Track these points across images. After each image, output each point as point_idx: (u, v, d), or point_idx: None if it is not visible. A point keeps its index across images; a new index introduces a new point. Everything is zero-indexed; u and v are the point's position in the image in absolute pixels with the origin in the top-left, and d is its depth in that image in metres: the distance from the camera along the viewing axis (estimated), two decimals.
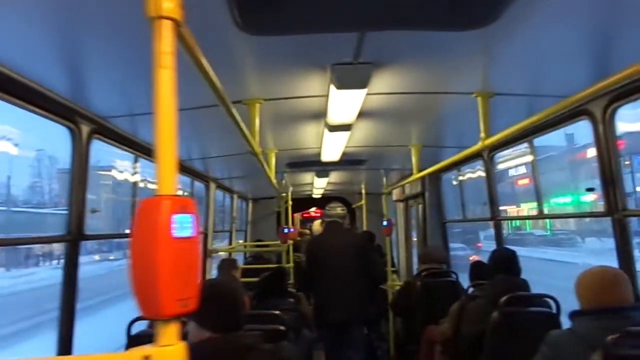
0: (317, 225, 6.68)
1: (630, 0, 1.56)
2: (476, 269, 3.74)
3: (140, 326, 2.74)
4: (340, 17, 1.60)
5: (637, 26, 1.72)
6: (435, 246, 5.21)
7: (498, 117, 2.73)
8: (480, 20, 1.64)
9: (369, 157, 4.78)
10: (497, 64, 2.24)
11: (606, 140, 2.46)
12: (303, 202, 8.69)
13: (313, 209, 10.50)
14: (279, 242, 5.90)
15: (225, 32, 1.60)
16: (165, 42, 0.84)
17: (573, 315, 2.13)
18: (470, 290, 3.54)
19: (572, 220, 25.42)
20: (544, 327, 2.30)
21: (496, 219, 3.91)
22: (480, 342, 2.89)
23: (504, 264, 3.17)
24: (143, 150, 3.19)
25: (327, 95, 2.48)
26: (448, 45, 1.96)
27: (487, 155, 3.87)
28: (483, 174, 4.09)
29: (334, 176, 6.49)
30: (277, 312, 2.53)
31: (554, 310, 2.85)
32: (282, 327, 2.40)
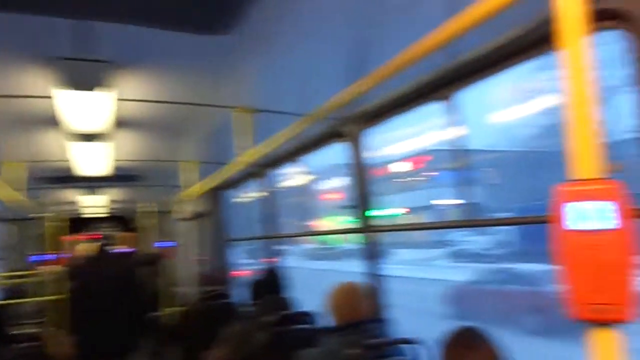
0: (81, 249, 5.75)
1: (377, 21, 1.63)
2: (255, 287, 3.68)
3: None
4: None
5: (379, 55, 1.83)
6: (215, 267, 5.03)
7: (265, 134, 2.70)
8: (219, 26, 1.53)
9: (143, 172, 4.35)
10: (254, 80, 2.19)
11: (357, 162, 2.63)
12: (84, 222, 7.68)
13: (95, 231, 9.31)
14: (46, 270, 4.90)
15: None
16: None
17: (327, 332, 2.18)
18: (246, 310, 3.45)
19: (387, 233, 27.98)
20: (306, 345, 2.31)
21: (272, 237, 3.94)
22: None
23: (271, 282, 3.16)
24: None
25: (54, 96, 2.06)
26: (199, 52, 1.81)
27: (262, 173, 3.87)
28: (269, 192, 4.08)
29: (115, 193, 5.77)
30: None
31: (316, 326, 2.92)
32: None
